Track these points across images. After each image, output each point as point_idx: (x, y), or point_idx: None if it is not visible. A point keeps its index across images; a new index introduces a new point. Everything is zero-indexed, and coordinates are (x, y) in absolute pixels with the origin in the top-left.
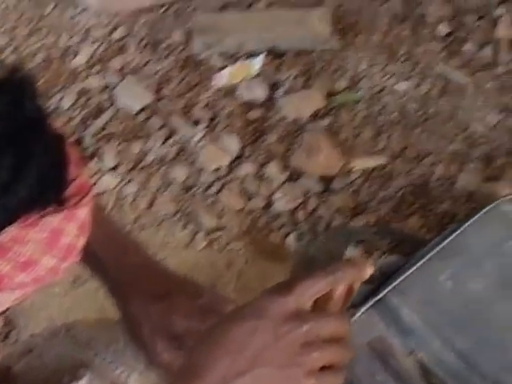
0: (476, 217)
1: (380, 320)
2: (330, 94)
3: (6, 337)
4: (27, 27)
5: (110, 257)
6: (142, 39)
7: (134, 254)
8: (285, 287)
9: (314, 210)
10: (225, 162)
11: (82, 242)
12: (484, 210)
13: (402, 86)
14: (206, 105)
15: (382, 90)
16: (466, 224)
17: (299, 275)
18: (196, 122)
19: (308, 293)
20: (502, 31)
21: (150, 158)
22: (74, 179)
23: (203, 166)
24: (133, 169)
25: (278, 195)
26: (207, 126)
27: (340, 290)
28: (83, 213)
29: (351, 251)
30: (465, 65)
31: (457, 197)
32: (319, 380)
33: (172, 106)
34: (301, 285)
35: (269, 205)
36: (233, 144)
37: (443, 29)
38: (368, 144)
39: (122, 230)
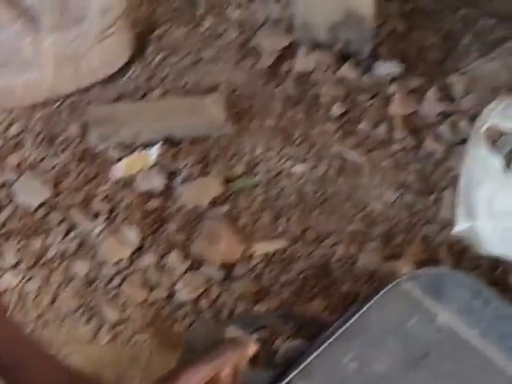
0: (377, 296)
1: None
2: (228, 180)
3: None
4: None
5: (13, 357)
6: (38, 134)
7: (36, 354)
8: (169, 378)
9: (217, 297)
10: (126, 253)
11: None
12: (385, 289)
13: (299, 169)
14: (105, 197)
15: (279, 174)
16: (368, 304)
17: (184, 363)
18: (95, 215)
19: (193, 381)
20: (394, 109)
21: (50, 254)
22: None
23: (104, 259)
24: (34, 265)
25: (180, 285)
26: (107, 219)
27: (226, 372)
28: None
29: (232, 331)
30: (360, 144)
31: (358, 276)
32: None
33: (71, 200)
34: (185, 374)
35: (171, 295)
36: (133, 235)
37: (337, 109)
38: (268, 228)
39: (23, 330)
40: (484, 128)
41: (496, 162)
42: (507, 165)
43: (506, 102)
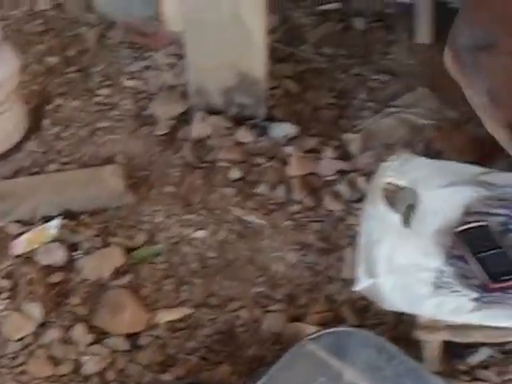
0: (283, 358)
1: None
2: (130, 250)
3: None
4: None
5: None
6: None
7: None
8: None
9: (123, 368)
10: (30, 329)
11: None
12: (290, 351)
13: (200, 235)
14: (6, 274)
15: (180, 241)
16: (274, 367)
17: None
18: None
19: None
20: (292, 170)
21: None
22: None
23: (8, 336)
24: None
25: (85, 357)
26: (9, 296)
27: None
28: None
29: None
30: (260, 206)
31: (264, 340)
32: None
33: None
34: None
35: (78, 368)
36: (36, 310)
37: (235, 173)
38: (171, 296)
39: None
40: (381, 185)
41: (394, 218)
42: (405, 220)
43: (402, 158)
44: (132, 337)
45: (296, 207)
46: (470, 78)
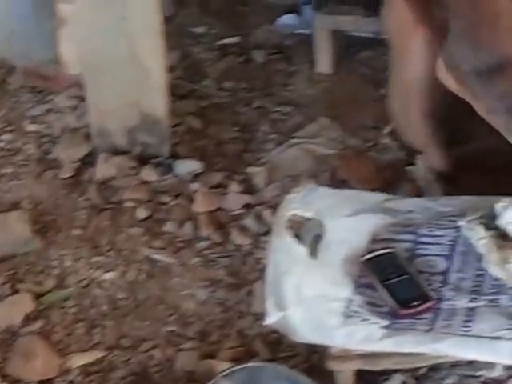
0: None
1: None
2: (39, 296)
3: None
4: None
5: None
6: None
7: None
8: None
9: None
10: None
11: None
12: None
13: (109, 276)
14: None
15: (89, 284)
16: None
17: None
18: None
19: None
20: (198, 206)
21: None
22: None
23: None
24: None
25: None
26: None
27: None
28: None
29: None
30: (168, 245)
31: (177, 379)
32: None
33: None
34: None
35: None
36: None
37: (141, 212)
38: (83, 340)
39: None
40: (286, 217)
41: (300, 249)
42: (312, 251)
43: (307, 189)
44: (45, 383)
45: (204, 244)
46: (485, 99)
